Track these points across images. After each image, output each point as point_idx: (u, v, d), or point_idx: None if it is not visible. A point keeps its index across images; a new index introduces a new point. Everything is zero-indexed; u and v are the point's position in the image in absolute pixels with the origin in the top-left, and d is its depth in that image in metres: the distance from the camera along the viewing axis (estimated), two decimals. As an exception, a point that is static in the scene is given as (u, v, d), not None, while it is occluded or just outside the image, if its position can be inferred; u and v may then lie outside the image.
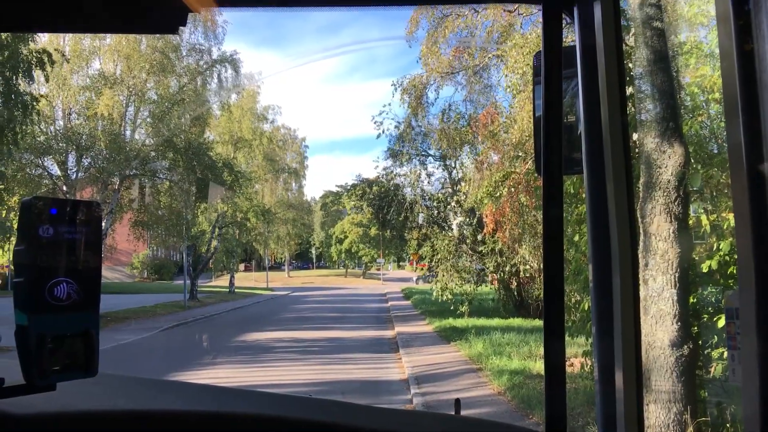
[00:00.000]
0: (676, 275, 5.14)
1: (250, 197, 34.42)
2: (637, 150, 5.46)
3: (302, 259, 78.97)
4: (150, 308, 24.15)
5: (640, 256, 5.20)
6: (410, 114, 21.56)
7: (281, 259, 67.32)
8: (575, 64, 1.41)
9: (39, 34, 17.09)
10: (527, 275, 18.85)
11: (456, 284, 20.77)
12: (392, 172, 25.60)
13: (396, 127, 22.53)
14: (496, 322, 18.73)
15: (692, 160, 5.61)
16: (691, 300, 5.57)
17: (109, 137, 24.11)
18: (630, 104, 5.79)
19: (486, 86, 20.76)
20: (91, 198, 23.76)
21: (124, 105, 25.27)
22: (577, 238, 7.45)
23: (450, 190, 24.52)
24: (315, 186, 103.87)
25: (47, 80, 20.46)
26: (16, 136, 16.36)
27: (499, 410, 8.55)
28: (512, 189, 15.84)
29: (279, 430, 1.27)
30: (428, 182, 25.01)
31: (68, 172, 24.74)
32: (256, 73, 48.59)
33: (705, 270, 5.65)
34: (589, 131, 1.40)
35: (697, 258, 5.86)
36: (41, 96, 19.35)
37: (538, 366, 10.86)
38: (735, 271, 4.87)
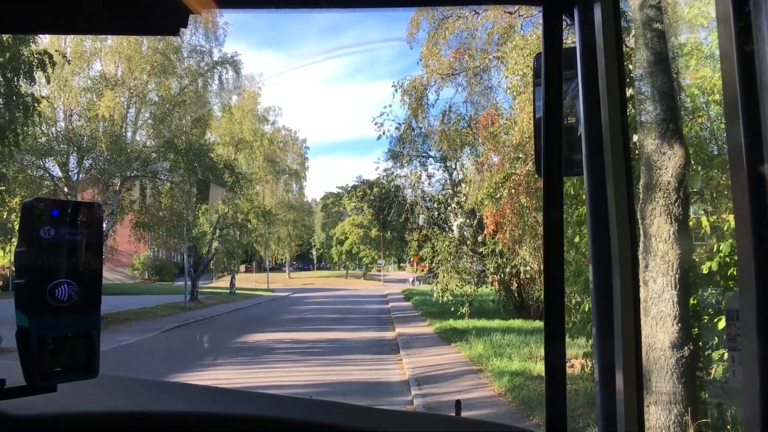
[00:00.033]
0: (677, 277, 5.14)
1: (251, 198, 34.44)
2: (637, 151, 5.46)
3: (303, 261, 78.93)
4: (151, 309, 24.15)
5: (640, 257, 5.20)
6: (411, 115, 21.56)
7: (282, 260, 67.31)
8: (575, 65, 1.41)
9: (40, 35, 17.10)
10: (528, 276, 18.85)
11: (456, 285, 20.76)
12: (393, 173, 25.64)
13: (397, 128, 22.54)
14: (496, 323, 18.73)
15: (692, 162, 5.61)
16: (692, 301, 5.57)
17: (110, 139, 24.13)
18: (630, 106, 5.79)
19: (486, 88, 20.77)
20: (92, 199, 23.82)
21: (125, 106, 25.29)
22: (577, 239, 7.45)
23: (450, 191, 24.53)
24: (316, 187, 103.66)
25: (48, 82, 20.47)
26: (17, 138, 16.38)
27: (500, 411, 8.54)
28: (513, 190, 15.84)
29: (280, 431, 1.27)
30: (429, 183, 25.03)
31: (69, 173, 24.76)
32: (257, 74, 48.51)
33: (705, 271, 5.65)
34: (590, 133, 1.40)
35: (697, 259, 5.86)
36: (42, 97, 19.37)
37: (539, 367, 10.85)
38: (735, 273, 4.87)
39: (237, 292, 37.34)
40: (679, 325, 5.13)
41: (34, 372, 0.95)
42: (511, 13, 16.76)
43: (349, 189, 51.45)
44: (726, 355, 5.08)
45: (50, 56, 16.99)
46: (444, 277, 21.10)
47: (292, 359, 13.75)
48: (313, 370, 12.13)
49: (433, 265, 22.48)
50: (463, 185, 22.19)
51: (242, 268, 56.42)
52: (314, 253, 76.91)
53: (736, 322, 4.09)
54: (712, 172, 6.23)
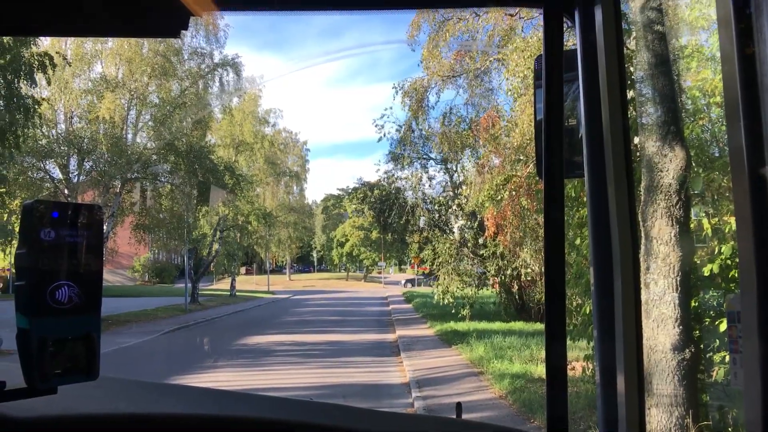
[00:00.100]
0: (678, 279, 5.14)
1: (252, 200, 34.45)
2: (638, 153, 5.46)
3: (303, 263, 78.97)
4: (151, 311, 24.16)
5: (641, 259, 5.19)
6: (411, 117, 21.58)
7: (282, 262, 67.33)
8: (576, 67, 1.41)
9: (41, 37, 17.11)
10: (528, 278, 18.85)
11: (457, 288, 20.76)
12: (393, 175, 25.66)
13: (397, 130, 22.57)
14: (497, 325, 18.72)
15: (693, 164, 5.60)
16: (693, 303, 5.57)
17: (111, 141, 24.15)
18: (631, 108, 5.79)
19: (487, 90, 20.82)
20: (93, 201, 23.87)
21: (126, 108, 25.32)
22: (578, 241, 7.45)
23: (451, 193, 24.54)
24: (316, 189, 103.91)
25: (49, 83, 20.49)
26: (17, 140, 16.38)
27: (501, 414, 8.53)
28: (513, 192, 15.84)
29: (280, 433, 1.27)
30: (429, 185, 25.05)
31: (70, 175, 24.79)
32: (258, 76, 48.58)
33: (706, 273, 5.65)
34: (590, 135, 1.40)
35: (698, 261, 5.86)
36: (43, 99, 19.37)
37: (540, 370, 10.84)
38: (736, 275, 4.87)
39: (237, 294, 37.37)
40: (681, 327, 5.12)
41: (34, 374, 0.95)
42: (511, 16, 16.77)
43: (350, 191, 51.49)
44: (727, 358, 5.08)
45: (51, 58, 17.00)
46: (445, 279, 21.11)
47: (292, 361, 13.74)
48: (314, 373, 12.12)
49: (434, 267, 22.48)
50: (464, 187, 22.20)
51: (243, 270, 56.44)
52: (315, 255, 76.94)
53: (738, 325, 4.09)
54: (713, 174, 6.23)
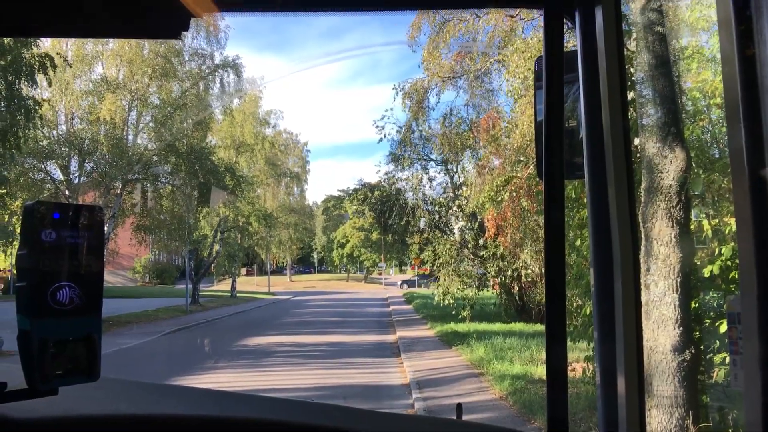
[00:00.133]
0: (678, 280, 5.14)
1: (252, 201, 34.44)
2: (638, 155, 5.46)
3: (304, 264, 78.99)
4: (152, 312, 24.16)
5: (641, 260, 5.19)
6: (412, 118, 21.57)
7: (283, 263, 67.33)
8: (576, 68, 1.41)
9: (42, 38, 17.12)
10: (529, 280, 18.85)
11: (458, 289, 20.76)
12: (394, 176, 25.61)
13: (398, 131, 22.56)
14: (497, 326, 18.71)
15: (694, 165, 5.61)
16: (693, 305, 5.57)
17: (112, 142, 24.16)
18: (631, 109, 5.79)
19: (487, 91, 20.81)
20: (94, 202, 23.88)
21: (127, 109, 25.33)
22: (578, 242, 7.45)
23: (452, 194, 24.52)
24: (317, 190, 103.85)
25: (50, 84, 20.51)
26: (18, 141, 16.39)
27: (501, 415, 8.53)
28: (514, 193, 15.85)
29: (280, 434, 1.27)
30: (430, 187, 25.02)
31: (71, 176, 24.81)
32: (259, 77, 48.46)
33: (707, 275, 5.65)
34: (591, 136, 1.40)
35: (698, 263, 5.86)
36: (44, 100, 19.39)
37: (540, 371, 10.83)
38: (737, 276, 4.87)
39: (238, 295, 37.36)
40: (681, 328, 5.12)
41: (35, 375, 0.95)
42: (512, 17, 16.78)
43: (350, 192, 51.52)
44: (727, 359, 5.08)
45: (52, 59, 17.01)
46: (445, 280, 21.10)
47: (293, 362, 13.73)
48: (314, 373, 12.12)
49: (435, 268, 22.48)
50: (465, 188, 22.20)
51: (243, 271, 56.45)
52: (315, 256, 76.94)
53: (738, 326, 4.09)
54: (713, 176, 6.23)
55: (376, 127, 22.75)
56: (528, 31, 16.49)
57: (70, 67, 23.27)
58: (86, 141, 24.37)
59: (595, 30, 1.36)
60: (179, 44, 24.82)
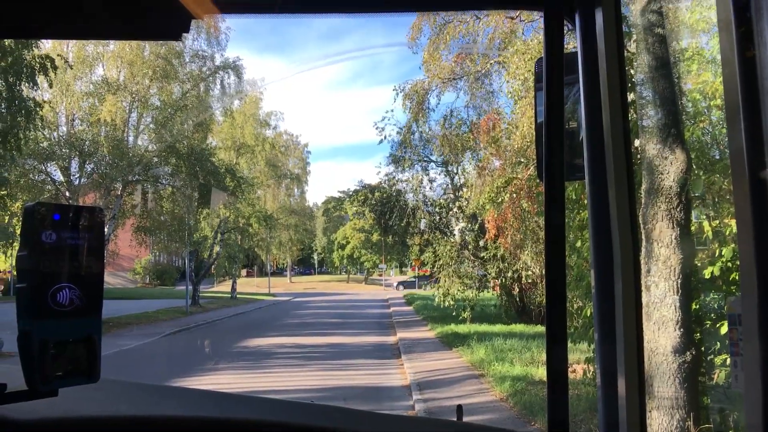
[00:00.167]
0: (679, 281, 5.13)
1: (253, 203, 34.46)
2: (638, 156, 5.46)
3: (304, 265, 79.01)
4: (152, 314, 24.15)
5: (642, 262, 5.19)
6: (412, 120, 21.57)
7: (283, 264, 67.35)
8: (577, 70, 1.41)
9: (42, 40, 17.14)
10: (529, 281, 18.84)
11: (458, 290, 20.76)
12: (394, 177, 25.60)
13: (398, 133, 22.55)
14: (498, 328, 18.71)
15: (694, 167, 5.60)
16: (694, 306, 5.56)
17: (112, 143, 24.18)
18: (632, 110, 5.79)
19: (488, 92, 20.80)
20: (94, 203, 23.89)
21: (127, 111, 25.35)
22: (579, 244, 7.44)
23: (452, 195, 24.52)
24: (317, 192, 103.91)
25: (51, 86, 20.51)
26: (19, 142, 16.41)
27: (502, 417, 8.52)
28: (514, 195, 15.84)
29: (281, 436, 1.27)
30: (430, 188, 25.01)
31: (71, 177, 24.81)
32: (259, 79, 48.44)
33: (707, 276, 5.65)
34: (591, 137, 1.40)
35: (699, 264, 5.86)
36: (44, 102, 19.41)
37: (541, 372, 10.83)
38: (737, 277, 4.87)
39: (238, 296, 37.37)
40: (681, 329, 5.12)
41: (35, 376, 0.95)
42: (512, 18, 16.78)
43: (351, 193, 51.45)
44: (728, 360, 5.08)
45: (52, 61, 17.02)
46: (446, 281, 21.10)
47: (293, 364, 13.73)
48: (315, 375, 12.12)
49: (435, 269, 22.48)
50: (465, 190, 22.19)
51: (243, 272, 56.47)
52: (316, 257, 76.98)
53: (739, 327, 4.09)
54: (713, 177, 6.23)
55: (377, 128, 22.75)
56: (528, 32, 16.50)
57: (71, 68, 23.28)
58: (87, 142, 24.39)
59: (595, 31, 1.36)
60: (180, 46, 24.85)
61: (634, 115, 5.82)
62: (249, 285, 50.93)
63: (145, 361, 14.13)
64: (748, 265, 0.99)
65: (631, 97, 5.74)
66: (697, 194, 5.72)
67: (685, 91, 6.47)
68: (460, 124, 21.24)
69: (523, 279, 18.91)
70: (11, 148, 16.13)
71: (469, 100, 20.96)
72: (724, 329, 5.12)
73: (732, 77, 0.99)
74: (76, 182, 24.96)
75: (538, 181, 11.79)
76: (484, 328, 18.72)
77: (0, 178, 20.11)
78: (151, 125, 25.98)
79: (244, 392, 8.99)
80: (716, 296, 5.95)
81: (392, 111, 62.84)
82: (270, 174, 38.83)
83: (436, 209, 25.47)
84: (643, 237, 5.27)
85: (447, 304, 20.88)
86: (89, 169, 25.10)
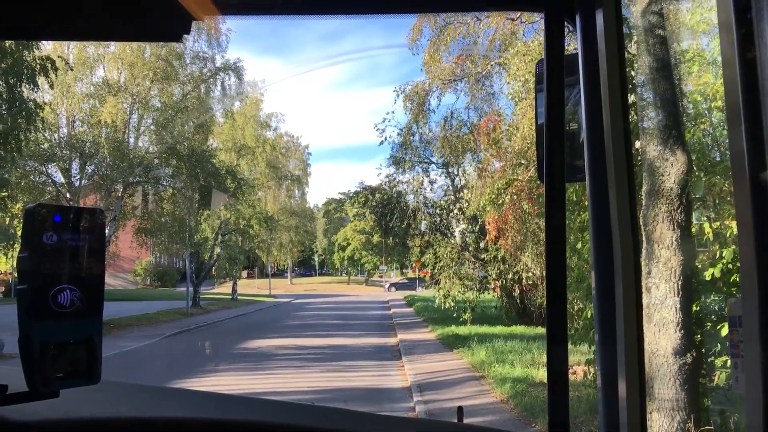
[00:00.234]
0: (679, 283, 5.13)
1: (253, 204, 34.47)
2: (639, 158, 5.46)
3: (305, 267, 79.00)
4: (153, 315, 24.15)
5: (642, 263, 5.19)
6: (412, 121, 21.58)
7: (284, 266, 67.33)
8: (577, 71, 1.41)
9: (42, 41, 17.15)
10: (530, 283, 18.84)
11: (459, 292, 20.75)
12: (395, 179, 25.66)
13: (399, 134, 22.58)
14: (498, 329, 18.71)
15: (695, 168, 5.60)
16: (694, 308, 5.56)
17: (113, 145, 24.19)
18: (632, 112, 5.79)
19: (488, 94, 20.82)
20: (95, 205, 23.90)
21: (128, 112, 25.36)
22: (579, 245, 7.44)
23: (452, 197, 24.52)
24: (318, 193, 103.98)
25: (51, 87, 20.53)
26: (19, 144, 16.42)
27: (502, 418, 8.52)
28: (515, 196, 15.84)
29: (281, 437, 1.27)
30: (431, 189, 25.06)
31: (72, 179, 24.82)
32: (260, 80, 48.36)
33: (708, 278, 5.65)
34: (592, 139, 1.40)
35: (700, 266, 5.85)
36: (45, 103, 19.42)
37: (541, 374, 10.82)
38: (738, 279, 4.87)
39: (239, 298, 37.37)
40: (682, 331, 5.12)
41: (36, 378, 0.95)
42: (513, 20, 16.79)
43: (351, 195, 51.36)
44: (729, 362, 5.07)
45: (53, 62, 17.03)
46: (446, 283, 21.10)
47: (294, 365, 13.73)
48: (315, 377, 12.12)
49: (435, 271, 22.48)
50: (465, 191, 22.19)
51: (244, 274, 56.50)
52: (316, 259, 76.99)
53: (739, 329, 4.09)
54: (714, 179, 6.23)
55: (377, 129, 22.84)
56: (529, 34, 16.51)
57: (72, 70, 23.29)
58: (87, 144, 24.41)
59: (595, 33, 1.36)
60: (180, 47, 24.87)
61: (635, 117, 5.82)
62: (249, 286, 50.93)
63: (145, 363, 14.13)
64: (748, 266, 0.99)
65: (631, 98, 5.74)
66: (697, 196, 5.72)
67: (685, 92, 6.47)
68: (461, 125, 21.27)
69: (524, 280, 18.91)
70: (12, 150, 16.13)
71: (470, 102, 21.00)
72: (725, 331, 5.12)
73: (733, 79, 0.99)
74: (77, 184, 24.97)
75: (538, 182, 11.79)
76: (484, 329, 18.72)
77: (1, 179, 20.11)
78: (152, 127, 26.00)
79: (245, 394, 8.98)
80: (717, 298, 5.95)
81: (393, 112, 63.06)
82: (270, 175, 38.85)
83: (437, 211, 25.48)
84: (644, 238, 5.27)
85: (447, 305, 20.87)
86: (90, 171, 25.13)
